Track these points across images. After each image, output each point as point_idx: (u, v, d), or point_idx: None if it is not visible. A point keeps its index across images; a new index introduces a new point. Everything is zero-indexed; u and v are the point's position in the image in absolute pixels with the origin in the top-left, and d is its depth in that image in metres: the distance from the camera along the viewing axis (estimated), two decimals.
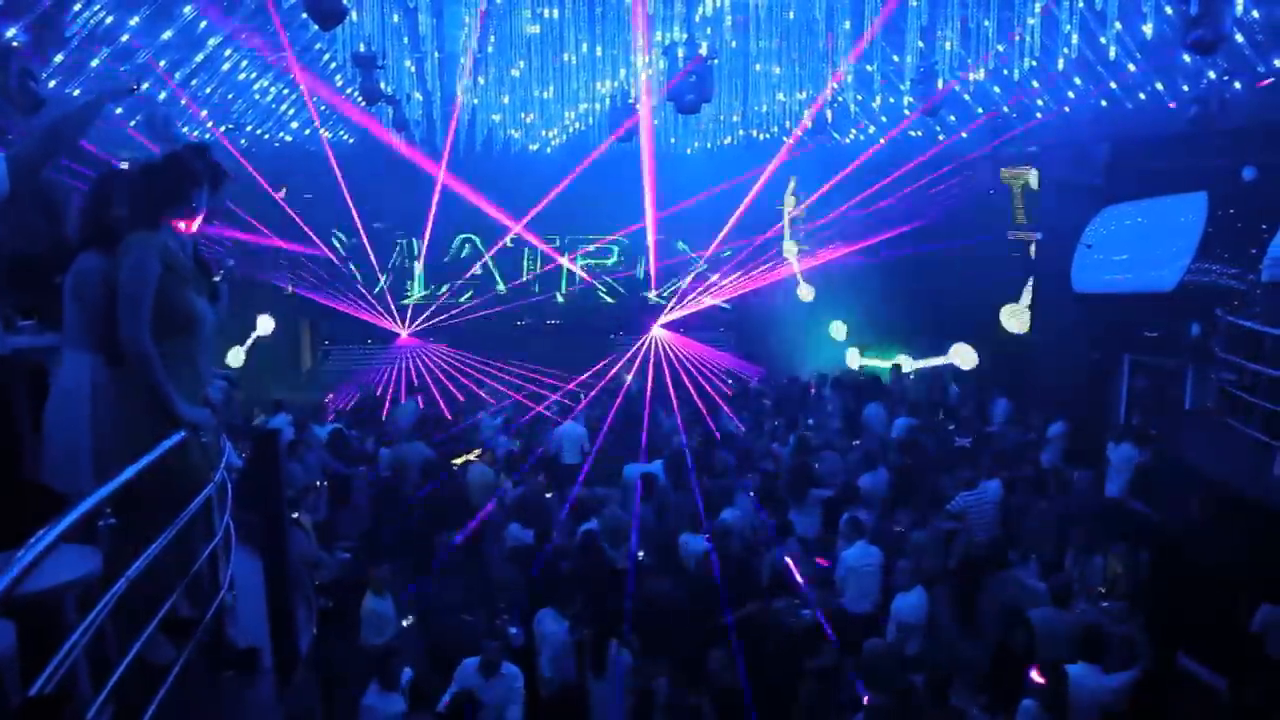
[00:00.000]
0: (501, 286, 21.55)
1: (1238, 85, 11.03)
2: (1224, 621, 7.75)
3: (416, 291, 21.25)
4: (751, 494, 10.62)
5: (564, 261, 21.60)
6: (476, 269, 21.36)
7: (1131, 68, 11.95)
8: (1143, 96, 12.61)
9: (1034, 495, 10.44)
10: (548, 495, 11.12)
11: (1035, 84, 13.42)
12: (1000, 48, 11.20)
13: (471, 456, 12.48)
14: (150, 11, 10.77)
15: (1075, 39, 10.56)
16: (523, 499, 10.76)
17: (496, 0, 12.64)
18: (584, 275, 21.82)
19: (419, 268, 21.17)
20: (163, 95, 12.56)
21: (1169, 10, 10.11)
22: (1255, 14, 9.87)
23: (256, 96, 15.28)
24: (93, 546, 3.17)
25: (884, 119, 17.22)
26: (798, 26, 12.98)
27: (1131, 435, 11.32)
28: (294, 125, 17.71)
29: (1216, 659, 7.60)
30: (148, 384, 3.62)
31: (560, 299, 21.83)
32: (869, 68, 13.28)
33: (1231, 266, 11.40)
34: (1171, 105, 11.99)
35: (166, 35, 11.31)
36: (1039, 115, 14.56)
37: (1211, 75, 11.14)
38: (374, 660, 7.25)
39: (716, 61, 11.26)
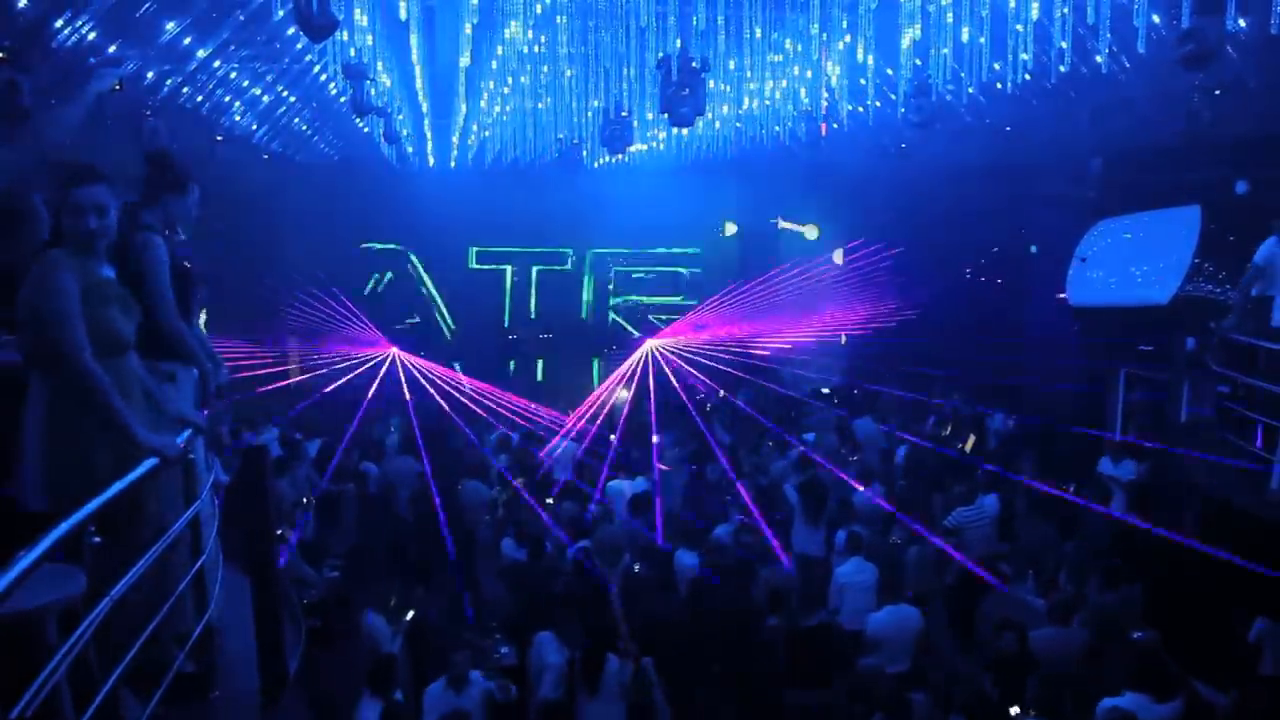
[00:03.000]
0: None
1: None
2: (1221, 636, 7.71)
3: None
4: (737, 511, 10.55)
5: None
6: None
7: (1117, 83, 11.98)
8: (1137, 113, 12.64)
9: (1032, 511, 10.39)
10: (545, 505, 11.06)
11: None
12: (997, 65, 11.19)
13: None
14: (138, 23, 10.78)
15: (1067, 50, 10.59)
16: (515, 516, 10.68)
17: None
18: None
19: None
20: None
21: (1157, 18, 10.15)
22: (1242, 22, 9.87)
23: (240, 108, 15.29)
24: (77, 566, 3.10)
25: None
26: (791, 36, 13.04)
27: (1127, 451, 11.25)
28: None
29: (1212, 674, 7.54)
30: (88, 402, 3.44)
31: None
32: (862, 81, 13.30)
33: (1226, 280, 11.39)
34: (1163, 119, 12.02)
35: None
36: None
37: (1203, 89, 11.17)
38: (371, 670, 7.13)
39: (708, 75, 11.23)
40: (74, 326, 3.41)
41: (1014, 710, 6.72)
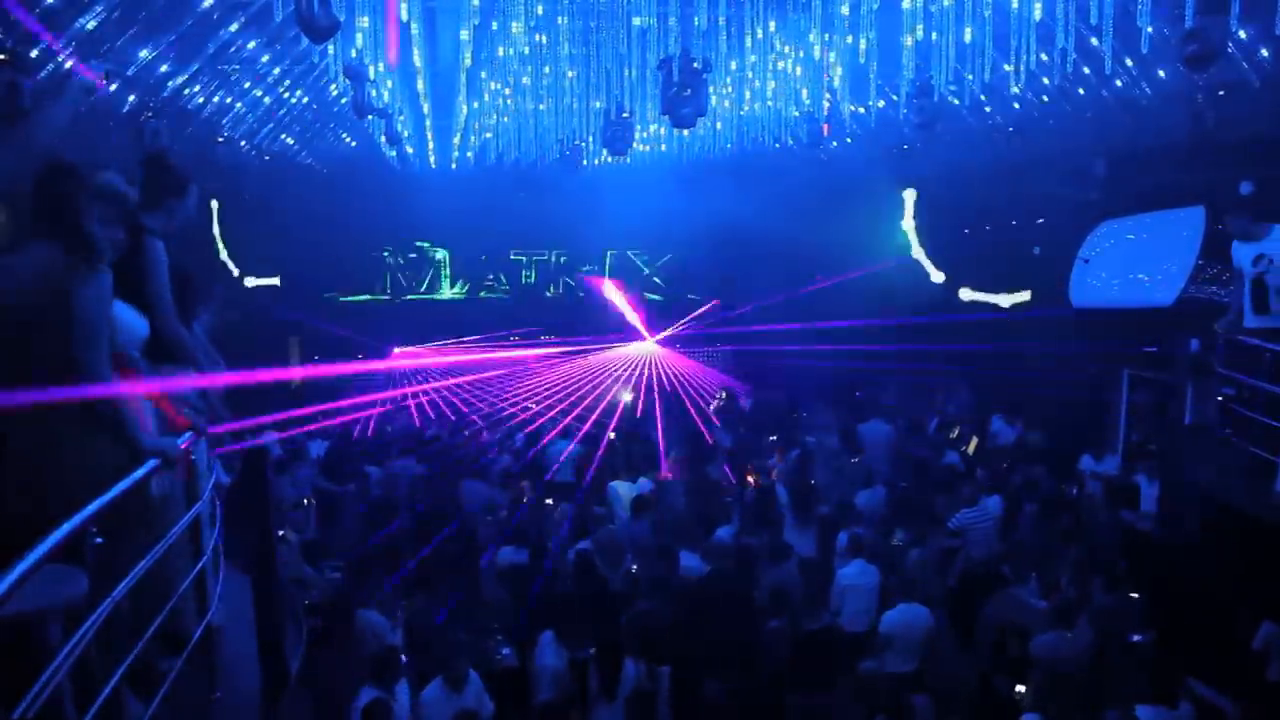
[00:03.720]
0: (505, 288, 22.99)
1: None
2: (1225, 640, 7.67)
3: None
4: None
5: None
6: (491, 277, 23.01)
7: (1120, 83, 11.96)
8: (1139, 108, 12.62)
9: (1037, 514, 10.34)
10: (546, 505, 11.04)
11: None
12: (1008, 68, 11.17)
13: None
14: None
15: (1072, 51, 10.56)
16: (515, 518, 10.65)
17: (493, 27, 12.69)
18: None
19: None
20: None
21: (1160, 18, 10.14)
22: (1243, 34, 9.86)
23: (240, 108, 15.29)
24: (79, 568, 3.09)
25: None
26: (792, 36, 13.03)
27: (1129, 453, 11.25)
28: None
29: (1218, 679, 7.51)
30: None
31: (550, 293, 23.15)
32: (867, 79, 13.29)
33: (1230, 282, 11.34)
34: (1167, 119, 12.00)
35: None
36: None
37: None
38: (373, 661, 7.10)
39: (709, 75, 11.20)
40: (103, 346, 3.39)
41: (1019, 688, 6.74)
